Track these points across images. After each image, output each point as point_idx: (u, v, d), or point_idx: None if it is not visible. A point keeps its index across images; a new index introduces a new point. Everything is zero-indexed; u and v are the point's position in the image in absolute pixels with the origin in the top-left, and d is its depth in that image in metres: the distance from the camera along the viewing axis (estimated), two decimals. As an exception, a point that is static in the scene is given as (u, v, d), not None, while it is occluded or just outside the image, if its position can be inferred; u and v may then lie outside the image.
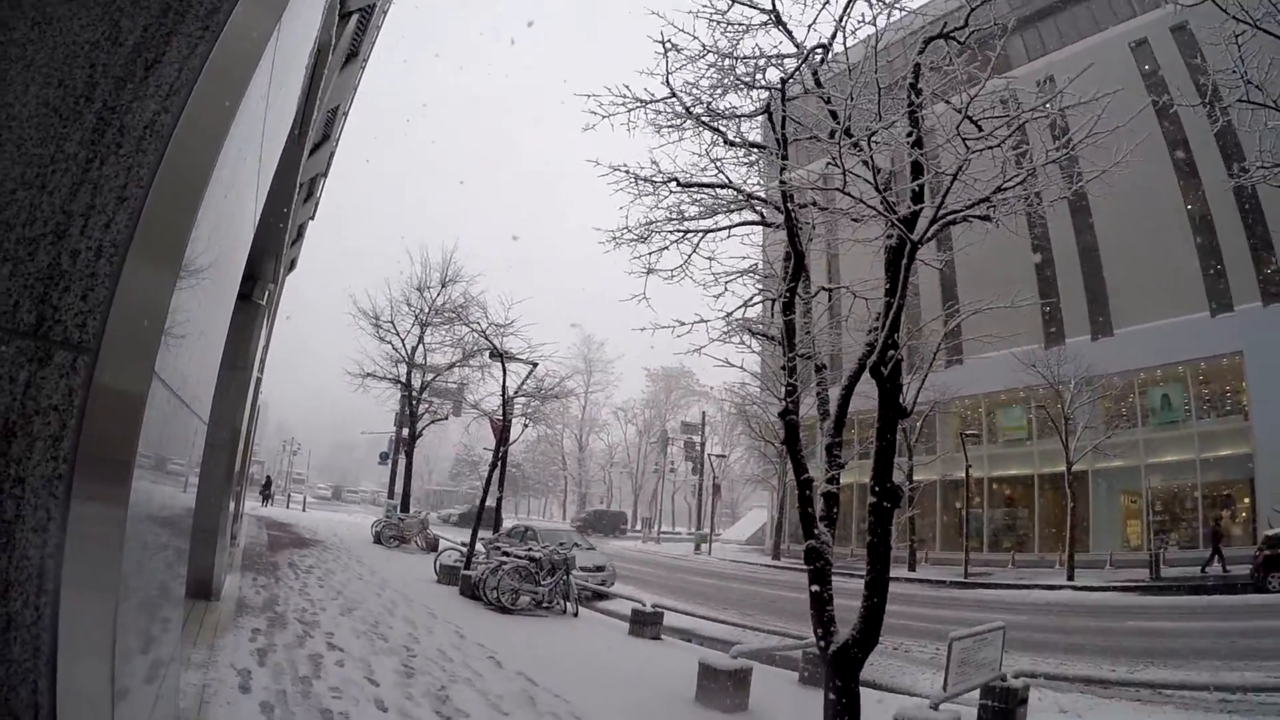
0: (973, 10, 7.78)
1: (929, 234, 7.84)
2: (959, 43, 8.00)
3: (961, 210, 7.91)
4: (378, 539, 30.10)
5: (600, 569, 22.67)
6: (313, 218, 23.29)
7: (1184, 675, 12.79)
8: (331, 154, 18.93)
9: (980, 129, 7.79)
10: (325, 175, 20.12)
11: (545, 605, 16.75)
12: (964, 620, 15.60)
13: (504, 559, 17.17)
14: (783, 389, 9.12)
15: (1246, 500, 35.62)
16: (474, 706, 8.48)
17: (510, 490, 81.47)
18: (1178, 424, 37.96)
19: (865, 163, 7.80)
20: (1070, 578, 30.98)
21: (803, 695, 10.09)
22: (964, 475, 37.31)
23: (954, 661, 8.89)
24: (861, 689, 7.94)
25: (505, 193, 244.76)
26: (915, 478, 39.07)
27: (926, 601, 26.00)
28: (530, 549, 18.27)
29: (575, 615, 16.95)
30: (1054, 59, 39.27)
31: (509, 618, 15.54)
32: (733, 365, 10.41)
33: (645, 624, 15.38)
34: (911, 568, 36.62)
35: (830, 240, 15.98)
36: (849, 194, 7.78)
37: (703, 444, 63.67)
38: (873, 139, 7.78)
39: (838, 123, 7.71)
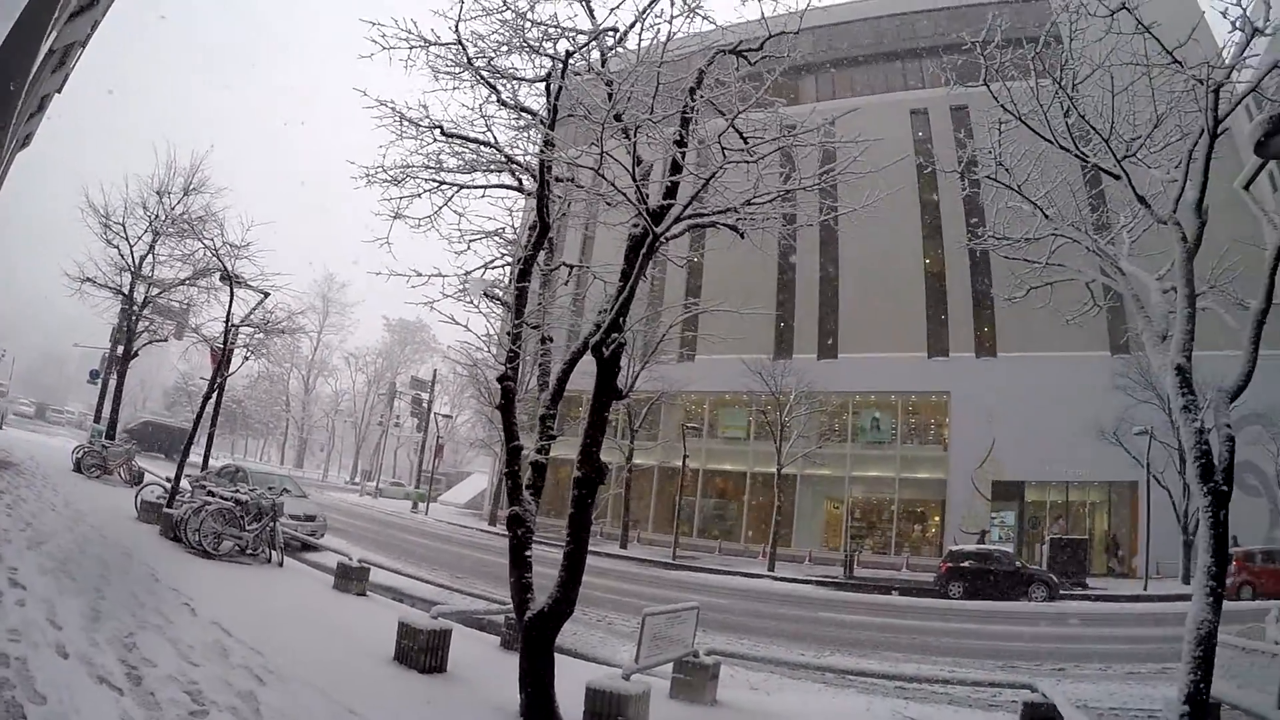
0: (770, 37, 8.02)
1: (672, 229, 8.02)
2: (749, 62, 8.23)
3: (710, 214, 8.17)
4: (78, 467, 26.89)
5: (311, 518, 21.80)
6: (60, 91, 21.10)
7: (866, 663, 13.93)
8: (96, 23, 17.14)
9: (745, 142, 8.05)
10: (84, 46, 18.20)
11: (250, 552, 15.76)
12: (669, 599, 16.17)
13: (209, 500, 16.06)
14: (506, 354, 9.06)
15: (937, 519, 41.01)
16: (163, 656, 7.88)
17: (228, 428, 76.96)
18: (884, 445, 42.83)
19: (628, 150, 7.89)
20: (771, 569, 33.19)
21: (503, 659, 10.13)
22: (681, 464, 39.49)
23: (647, 636, 9.16)
24: (561, 657, 8.05)
25: (281, 104, 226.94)
26: (635, 460, 40.47)
27: (635, 579, 26.82)
28: (237, 491, 17.26)
29: (280, 565, 16.07)
30: (840, 104, 41.68)
31: (210, 563, 14.57)
32: (458, 323, 10.01)
33: (351, 579, 14.95)
34: (623, 546, 37.72)
35: (589, 222, 16.14)
36: (603, 175, 7.86)
37: (430, 401, 61.75)
38: (639, 129, 7.86)
39: (613, 105, 7.74)
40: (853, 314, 43.44)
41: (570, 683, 8.11)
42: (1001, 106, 8.58)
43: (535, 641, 7.92)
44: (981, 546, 31.42)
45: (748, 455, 44.03)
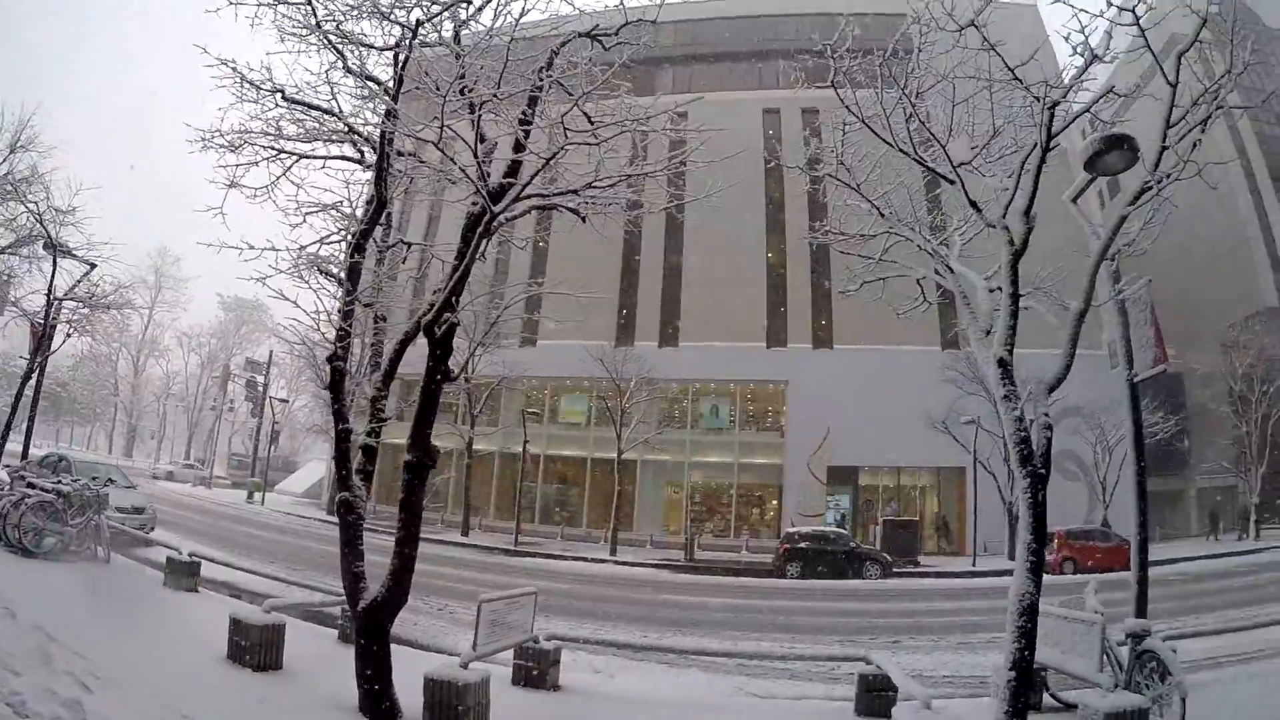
0: (626, 24, 7.96)
1: (512, 209, 7.94)
2: (604, 47, 8.14)
3: (550, 196, 8.11)
4: None
5: (140, 510, 20.54)
6: None
7: (708, 643, 14.15)
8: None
9: (591, 123, 8.00)
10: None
11: (74, 549, 14.62)
12: (512, 585, 15.90)
13: (28, 492, 14.92)
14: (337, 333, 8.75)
15: (775, 503, 42.68)
16: (-20, 666, 7.24)
17: (51, 414, 72.20)
18: (723, 431, 44.03)
19: (472, 126, 7.75)
20: (613, 553, 33.42)
21: (342, 653, 9.78)
22: (522, 450, 39.08)
23: (484, 622, 9.01)
24: (403, 648, 7.88)
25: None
26: (476, 446, 40.07)
27: (477, 566, 26.59)
28: (59, 482, 16.13)
29: (107, 561, 14.99)
30: (694, 97, 42.45)
31: (30, 561, 13.47)
32: (288, 299, 9.46)
33: (181, 574, 14.17)
34: (465, 533, 37.23)
35: (435, 201, 15.83)
36: (443, 150, 7.70)
37: (265, 385, 58.61)
38: (484, 105, 7.71)
39: (462, 80, 7.57)
40: (695, 304, 44.41)
41: (411, 674, 7.94)
42: (846, 108, 8.82)
43: (370, 632, 7.72)
44: (817, 528, 32.59)
45: (589, 441, 44.21)
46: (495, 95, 7.69)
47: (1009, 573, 21.32)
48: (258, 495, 48.15)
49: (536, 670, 9.93)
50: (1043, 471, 6.71)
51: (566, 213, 8.46)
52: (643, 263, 45.98)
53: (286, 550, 25.43)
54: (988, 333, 7.44)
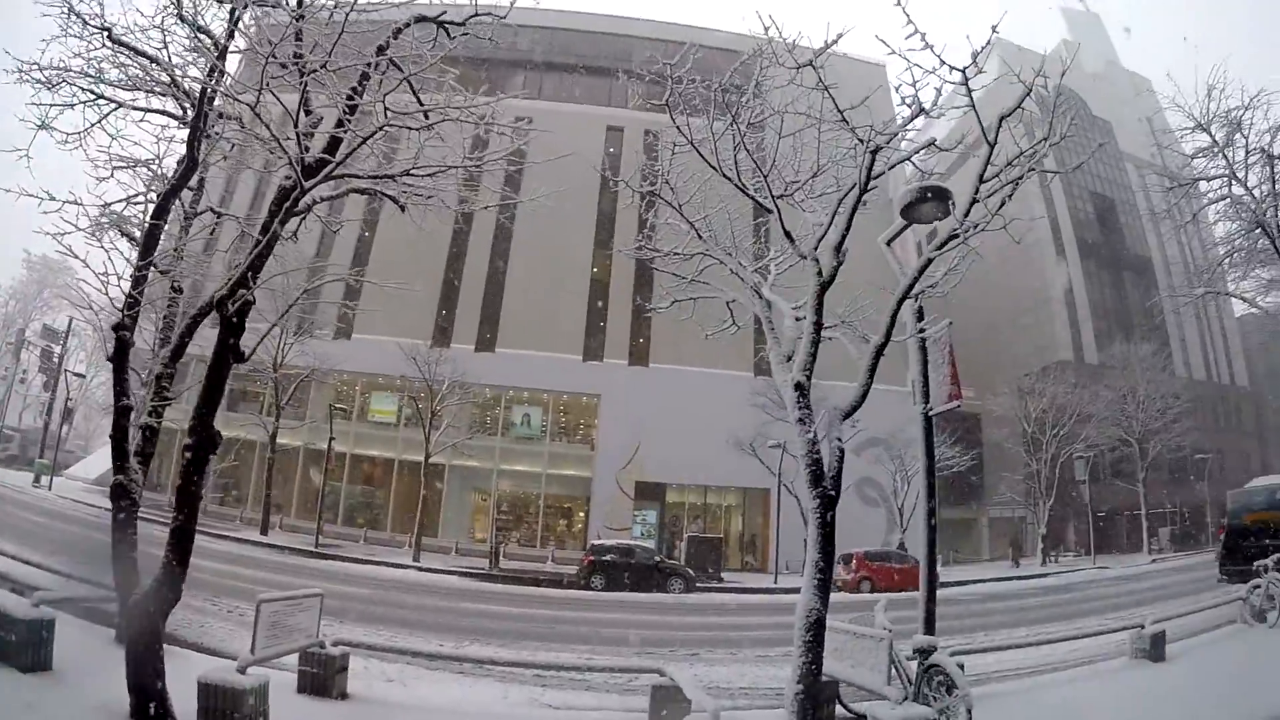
0: (474, 16, 7.84)
1: (329, 190, 7.70)
2: (449, 35, 7.96)
3: (366, 178, 7.88)
4: None
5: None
6: None
7: (505, 653, 13.94)
8: None
9: (421, 104, 7.81)
10: None
11: None
12: (308, 588, 15.42)
13: None
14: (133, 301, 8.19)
15: (582, 515, 42.89)
16: None
17: None
18: (534, 440, 43.78)
19: (300, 96, 7.44)
20: (417, 559, 32.62)
21: (117, 654, 9.13)
22: (328, 447, 37.60)
23: (264, 624, 8.64)
24: (185, 651, 7.42)
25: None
26: (280, 440, 37.98)
27: (273, 567, 25.54)
28: None
29: None
30: (539, 104, 43.51)
31: None
32: (76, 256, 8.68)
33: (-52, 566, 13.00)
34: (264, 532, 35.35)
35: (263, 174, 15.19)
36: (258, 114, 7.38)
37: (63, 356, 53.29)
38: (312, 74, 7.41)
39: (298, 44, 7.28)
40: (516, 311, 44.32)
41: (191, 679, 7.47)
42: (678, 128, 8.96)
43: (140, 631, 7.19)
44: (623, 541, 32.80)
45: (397, 442, 43.04)
46: (324, 66, 7.39)
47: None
48: (45, 478, 44.17)
49: (322, 677, 9.54)
50: (832, 493, 6.99)
51: (395, 203, 8.21)
52: (468, 264, 45.63)
53: (71, 540, 23.62)
54: (789, 358, 7.67)
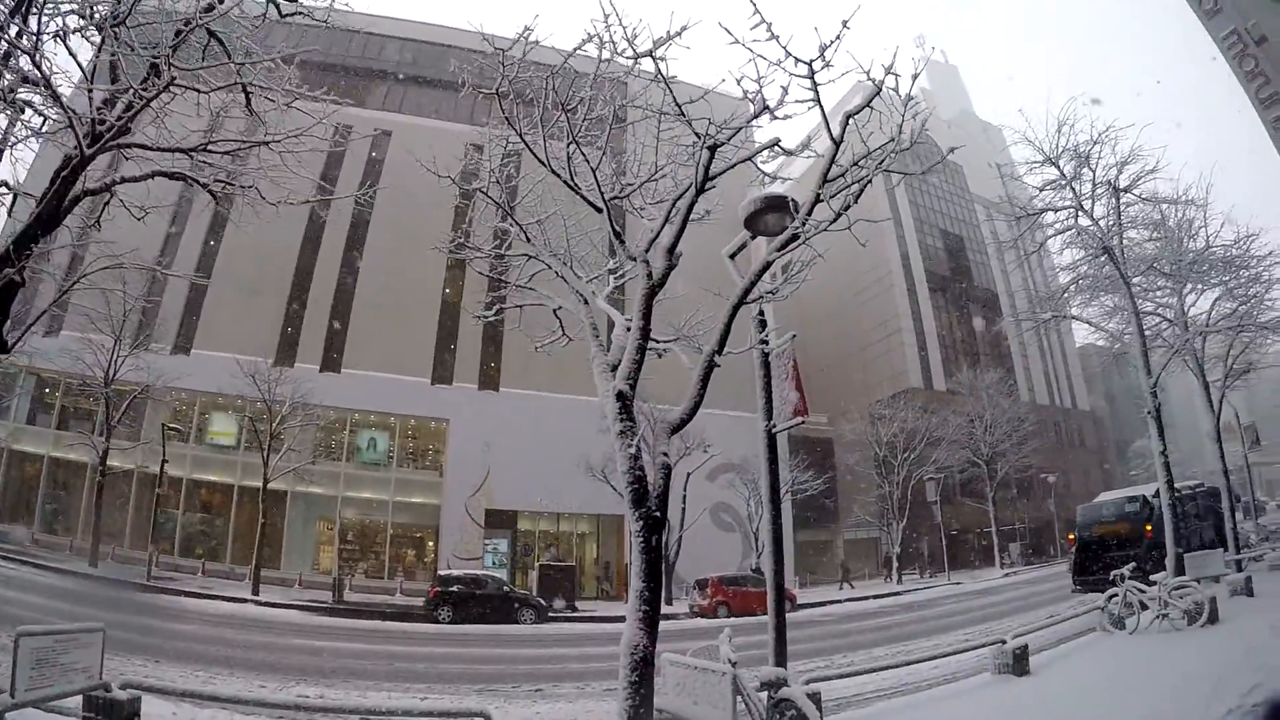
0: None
1: (124, 170, 6.85)
2: (279, 11, 7.69)
3: (155, 149, 7.06)
4: None
5: None
6: None
7: (332, 694, 12.80)
8: None
9: (235, 65, 7.07)
10: None
11: None
12: (134, 625, 14.13)
13: None
14: None
15: (432, 544, 41.10)
16: None
17: None
18: (380, 466, 41.72)
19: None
20: (256, 592, 30.49)
21: None
22: (160, 470, 34.56)
23: (26, 661, 7.56)
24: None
25: None
26: (111, 463, 34.45)
27: (98, 603, 23.67)
28: None
29: None
30: (403, 119, 43.48)
31: None
32: None
33: None
34: (94, 564, 32.58)
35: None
36: (37, 64, 6.49)
37: None
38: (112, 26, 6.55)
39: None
40: (364, 330, 42.38)
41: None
42: (506, 119, 8.33)
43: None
44: (471, 571, 31.62)
45: (237, 467, 39.90)
46: (123, 22, 6.56)
47: (667, 616, 21.22)
48: None
49: (108, 725, 8.37)
50: (658, 515, 6.31)
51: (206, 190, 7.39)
52: (315, 280, 43.30)
53: None
54: (614, 368, 6.99)
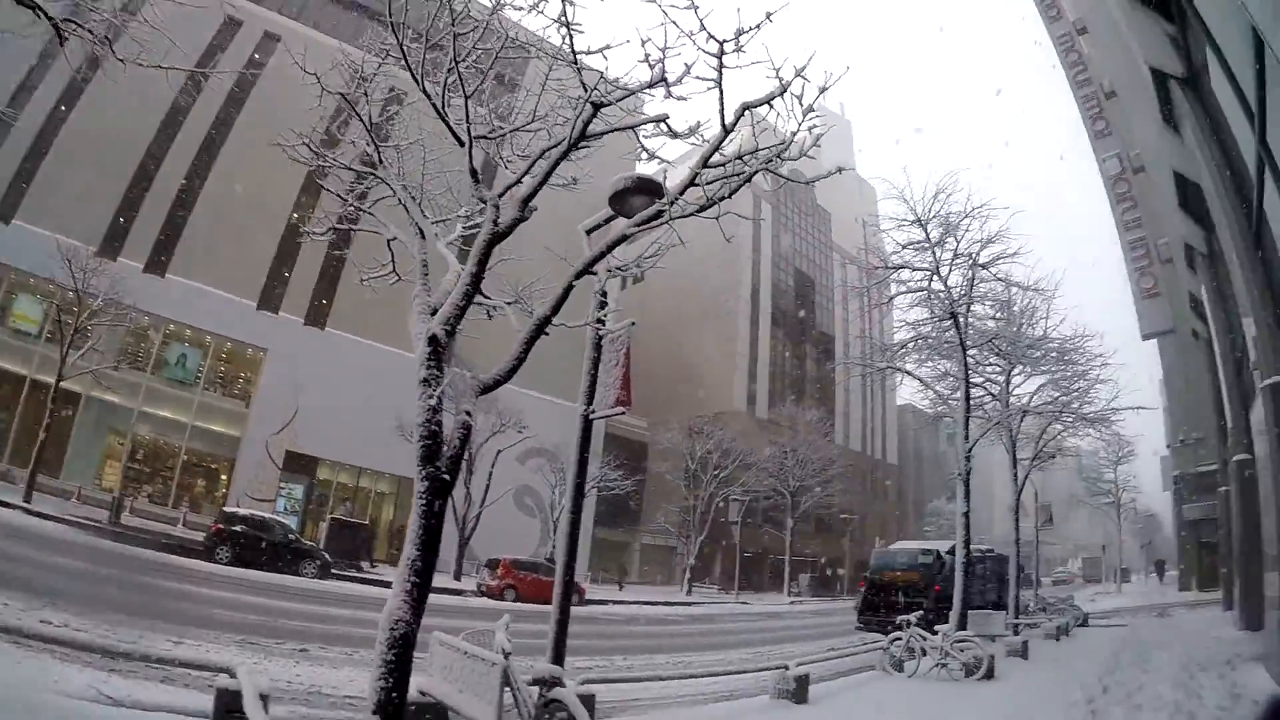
0: None
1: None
2: None
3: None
4: None
5: None
6: None
7: (77, 625, 11.53)
8: None
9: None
10: None
11: None
12: None
13: None
14: None
15: (226, 478, 38.76)
16: None
17: None
18: (186, 385, 38.83)
19: None
20: (28, 499, 27.73)
21: None
22: None
23: None
24: None
25: None
26: None
27: None
28: None
29: None
30: (302, 30, 40.89)
31: None
32: None
33: None
34: None
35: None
36: None
37: None
38: None
39: None
40: (200, 237, 38.92)
41: None
42: (392, 28, 7.61)
43: None
44: (257, 513, 29.34)
45: (34, 359, 35.58)
46: None
47: (450, 591, 20.56)
48: None
49: None
50: (446, 477, 5.68)
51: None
52: (162, 173, 39.14)
53: None
54: (435, 311, 6.35)
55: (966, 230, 19.68)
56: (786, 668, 11.97)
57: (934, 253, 19.75)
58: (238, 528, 26.68)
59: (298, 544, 28.16)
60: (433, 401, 5.58)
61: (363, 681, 10.90)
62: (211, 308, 37.72)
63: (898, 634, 15.45)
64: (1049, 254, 23.91)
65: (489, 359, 6.73)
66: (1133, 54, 17.84)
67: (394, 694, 5.12)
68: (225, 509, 29.38)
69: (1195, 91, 15.45)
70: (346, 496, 41.69)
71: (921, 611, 16.26)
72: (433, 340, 5.85)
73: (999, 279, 20.67)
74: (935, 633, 15.30)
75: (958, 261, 19.96)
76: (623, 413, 8.34)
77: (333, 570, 27.75)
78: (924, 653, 15.18)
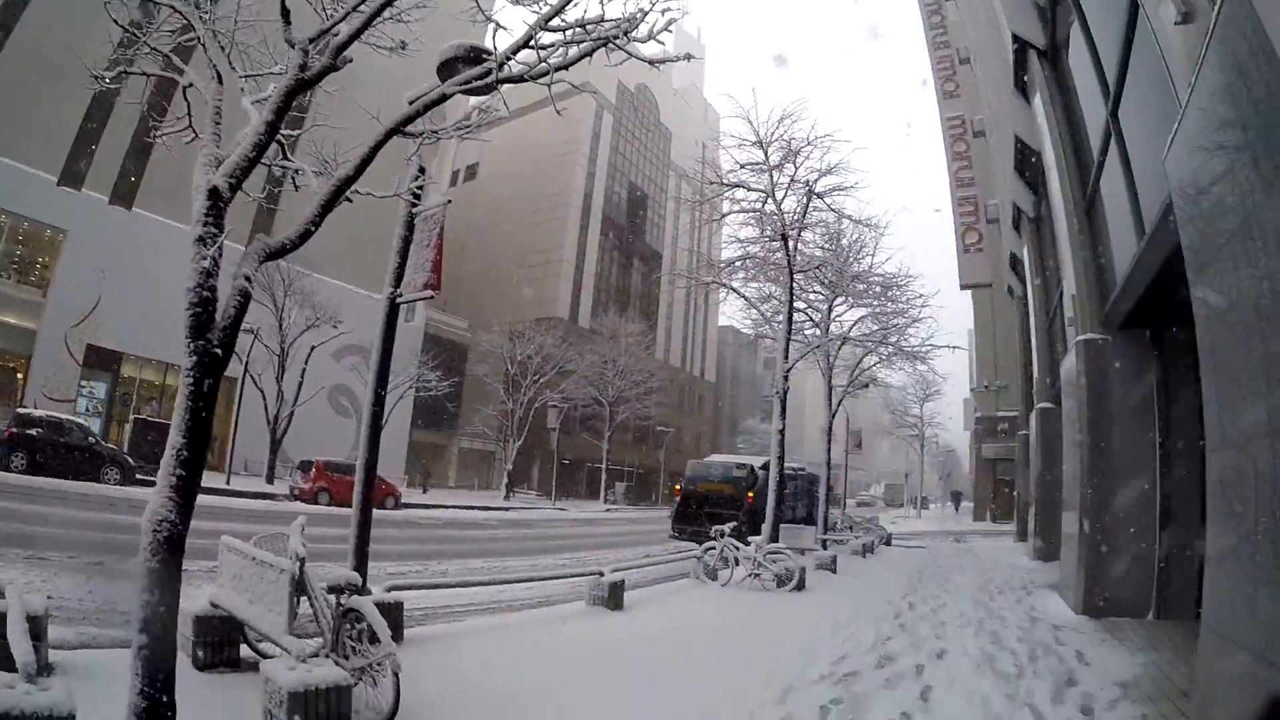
0: None
1: None
2: None
3: None
4: None
5: None
6: None
7: None
8: None
9: None
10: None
11: None
12: None
13: None
14: None
15: (22, 376, 34.83)
16: None
17: None
18: None
19: None
20: None
21: None
22: None
23: None
24: None
25: None
26: None
27: None
28: None
29: None
30: None
31: None
32: None
33: None
34: None
35: None
36: None
37: None
38: None
39: None
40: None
41: None
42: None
43: None
44: (54, 415, 26.50)
45: None
46: None
47: (264, 495, 19.53)
48: None
49: None
50: (218, 351, 4.77)
51: None
52: None
53: None
54: (220, 163, 5.40)
55: (806, 159, 19.65)
56: (601, 574, 11.76)
57: (771, 175, 19.54)
58: (32, 431, 24.12)
59: (99, 447, 25.85)
60: (205, 264, 4.67)
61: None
62: (5, 181, 32.53)
63: (711, 544, 15.53)
64: (884, 198, 24.49)
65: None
66: (997, 20, 18.07)
67: (160, 606, 4.27)
68: (19, 411, 26.14)
69: (1053, 64, 15.79)
70: (153, 395, 38.73)
71: (735, 523, 16.29)
72: (213, 193, 4.90)
73: (832, 209, 20.84)
74: (748, 544, 15.48)
75: (794, 187, 19.88)
76: (431, 296, 7.64)
77: (137, 476, 25.47)
78: (737, 563, 15.33)
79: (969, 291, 45.39)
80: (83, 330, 34.85)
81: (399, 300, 8.45)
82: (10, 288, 34.93)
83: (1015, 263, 27.69)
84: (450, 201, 8.58)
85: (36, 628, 5.58)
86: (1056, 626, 11.02)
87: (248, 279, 4.80)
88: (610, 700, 6.84)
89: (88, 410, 34.85)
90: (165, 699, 4.30)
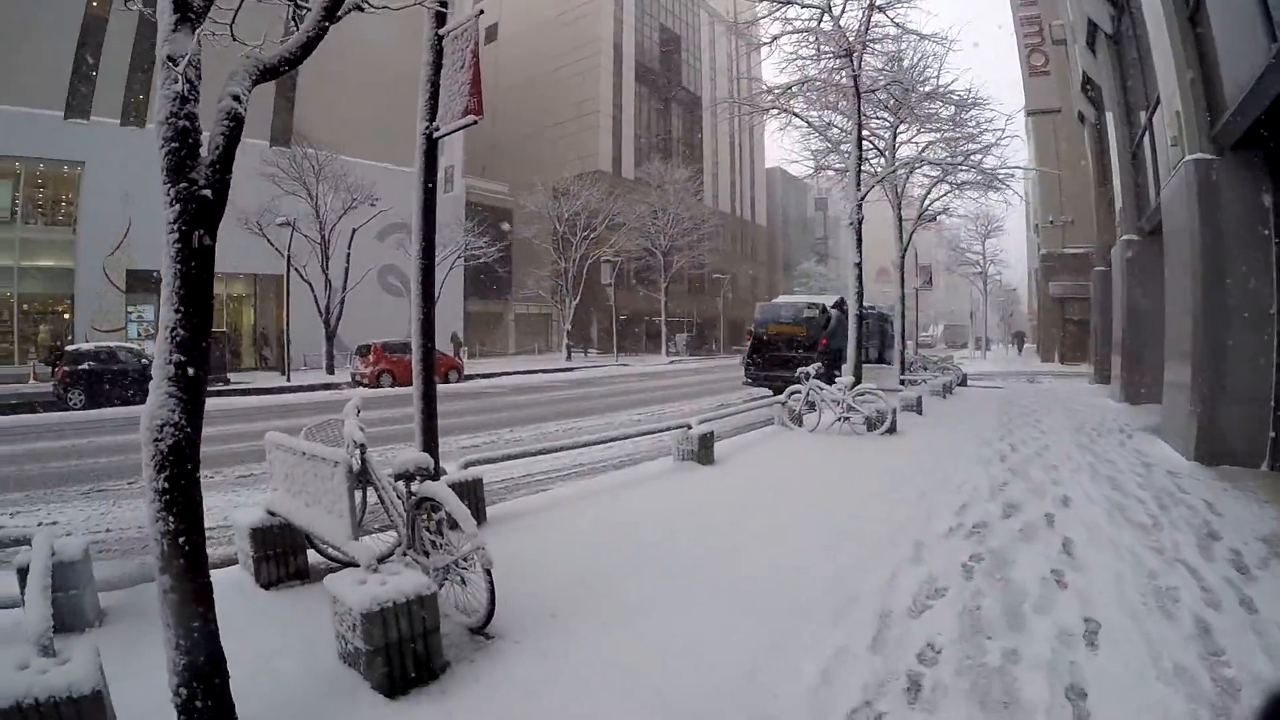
0: None
1: None
2: None
3: None
4: None
5: None
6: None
7: None
8: None
9: None
10: None
11: None
12: None
13: None
14: None
15: (68, 317, 34.51)
16: None
17: None
18: (3, 225, 33.58)
19: None
20: None
21: None
22: None
23: None
24: None
25: None
26: None
27: None
28: None
29: None
30: None
31: None
32: None
33: None
34: None
35: None
36: None
37: None
38: None
39: None
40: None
41: None
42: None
43: None
44: (104, 345, 25.87)
45: None
46: None
47: (326, 386, 18.77)
48: None
49: None
50: (206, 193, 3.50)
51: None
52: None
53: None
54: None
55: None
56: (689, 427, 10.97)
57: (826, -11, 17.72)
58: (85, 366, 23.81)
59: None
60: (178, 86, 3.36)
61: (223, 508, 9.04)
62: (16, 129, 31.86)
63: (795, 388, 14.76)
64: (940, 19, 22.25)
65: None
66: None
67: (180, 524, 3.28)
68: (68, 349, 25.56)
69: None
70: (200, 306, 38.41)
71: (819, 364, 15.41)
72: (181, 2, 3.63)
73: (895, 23, 18.30)
74: (834, 385, 14.67)
75: (851, 4, 17.95)
76: (475, 122, 6.58)
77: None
78: (820, 406, 14.63)
79: (1027, 120, 42.51)
80: (119, 257, 34.24)
81: (438, 134, 7.30)
82: (40, 232, 34.43)
83: (1088, 85, 25.50)
84: (483, 11, 7.26)
85: (75, 576, 4.92)
86: (1172, 473, 10.18)
87: (236, 99, 3.57)
88: (737, 564, 6.16)
89: (139, 334, 34.47)
90: (206, 653, 3.39)
